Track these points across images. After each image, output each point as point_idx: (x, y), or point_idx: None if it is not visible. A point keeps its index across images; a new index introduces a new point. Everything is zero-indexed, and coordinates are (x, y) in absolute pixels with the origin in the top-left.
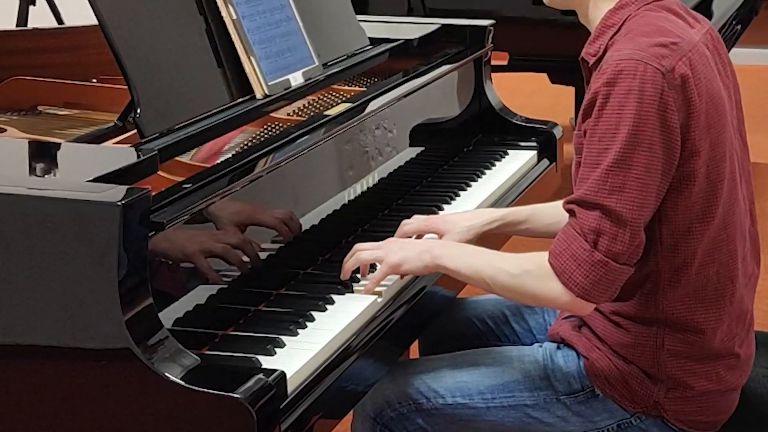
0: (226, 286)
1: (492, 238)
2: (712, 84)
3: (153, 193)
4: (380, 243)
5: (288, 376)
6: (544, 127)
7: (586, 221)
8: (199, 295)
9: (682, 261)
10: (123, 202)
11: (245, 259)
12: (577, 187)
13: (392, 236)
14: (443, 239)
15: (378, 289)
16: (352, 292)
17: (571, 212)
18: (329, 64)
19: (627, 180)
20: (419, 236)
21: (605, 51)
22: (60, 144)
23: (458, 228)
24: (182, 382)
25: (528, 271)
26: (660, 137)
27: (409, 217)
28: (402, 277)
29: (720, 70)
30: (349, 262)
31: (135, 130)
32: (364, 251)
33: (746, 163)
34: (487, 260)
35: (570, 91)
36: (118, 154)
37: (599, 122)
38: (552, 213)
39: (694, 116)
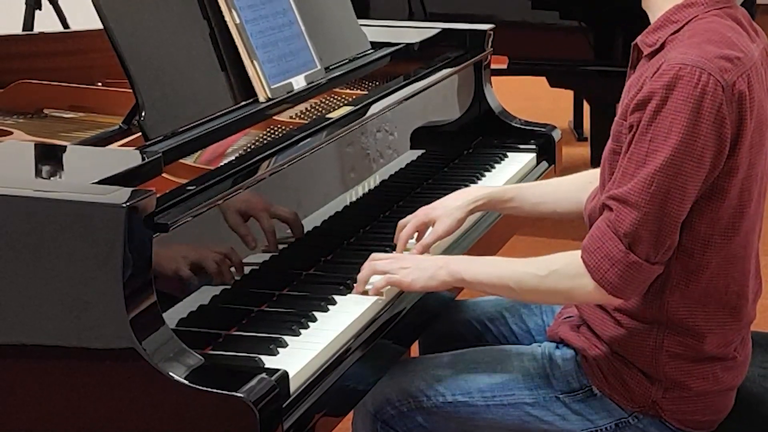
0: (229, 286)
1: (493, 237)
2: (763, 104)
3: (157, 195)
4: (397, 256)
5: (290, 376)
6: (543, 129)
7: (623, 222)
8: (203, 295)
9: (695, 267)
10: (128, 203)
11: (248, 260)
12: (620, 181)
13: (392, 238)
14: (437, 225)
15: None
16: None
17: (609, 208)
18: (331, 67)
19: (671, 186)
20: (419, 236)
21: (663, 45)
22: (66, 146)
23: (449, 210)
24: (186, 382)
25: (556, 271)
26: (711, 150)
27: None
28: None
29: (766, 88)
30: (363, 273)
31: (139, 133)
32: (378, 262)
33: (766, 179)
34: (508, 267)
35: (569, 94)
36: (123, 156)
37: (653, 122)
38: (538, 192)
39: (742, 135)
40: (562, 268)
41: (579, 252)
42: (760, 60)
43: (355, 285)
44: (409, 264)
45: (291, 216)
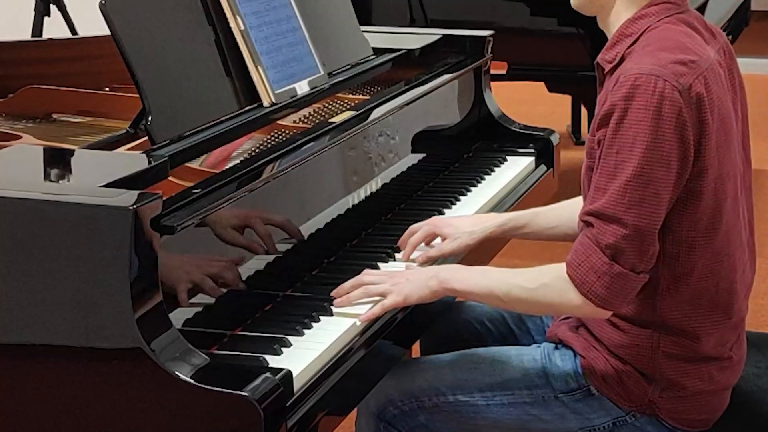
0: (234, 287)
1: (489, 244)
2: (723, 103)
3: (164, 198)
4: (387, 273)
5: (294, 375)
6: (541, 134)
7: (604, 235)
8: (208, 296)
9: (682, 271)
10: (135, 206)
11: (252, 264)
12: (593, 197)
13: (395, 240)
14: (446, 243)
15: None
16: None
17: (588, 224)
18: (334, 73)
19: (645, 194)
20: (428, 242)
21: (622, 59)
22: (74, 150)
23: (460, 232)
24: (192, 381)
25: (545, 284)
26: (677, 153)
27: (411, 221)
28: None
29: (729, 86)
30: (357, 293)
31: (146, 137)
32: (371, 285)
33: (748, 175)
34: (499, 278)
35: (566, 99)
36: (130, 160)
37: (617, 135)
38: (552, 217)
39: (706, 136)
40: (550, 282)
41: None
42: (718, 60)
43: (339, 298)
44: (401, 279)
45: (288, 224)
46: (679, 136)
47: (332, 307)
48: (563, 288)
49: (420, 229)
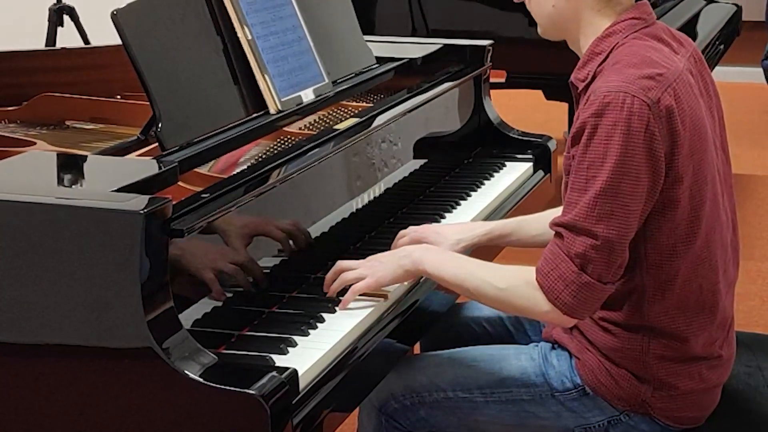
0: (241, 289)
1: (484, 249)
2: (695, 112)
3: (173, 203)
4: (362, 261)
5: (300, 374)
6: (539, 140)
7: (573, 245)
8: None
9: (666, 277)
10: (145, 210)
11: (258, 267)
12: (565, 211)
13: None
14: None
15: (384, 291)
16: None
17: (558, 234)
18: (338, 81)
19: (614, 207)
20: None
21: (594, 77)
22: (86, 156)
23: (448, 241)
24: (201, 380)
25: (515, 287)
26: (646, 166)
27: (412, 224)
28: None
29: (703, 92)
30: (335, 284)
31: (156, 144)
32: (347, 272)
33: (729, 176)
34: (471, 271)
35: (563, 107)
36: (141, 165)
37: (588, 151)
38: (537, 225)
39: (678, 145)
40: (520, 286)
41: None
42: (688, 68)
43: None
44: (373, 263)
45: (295, 229)
46: (648, 150)
47: (336, 307)
48: (531, 294)
49: (407, 235)
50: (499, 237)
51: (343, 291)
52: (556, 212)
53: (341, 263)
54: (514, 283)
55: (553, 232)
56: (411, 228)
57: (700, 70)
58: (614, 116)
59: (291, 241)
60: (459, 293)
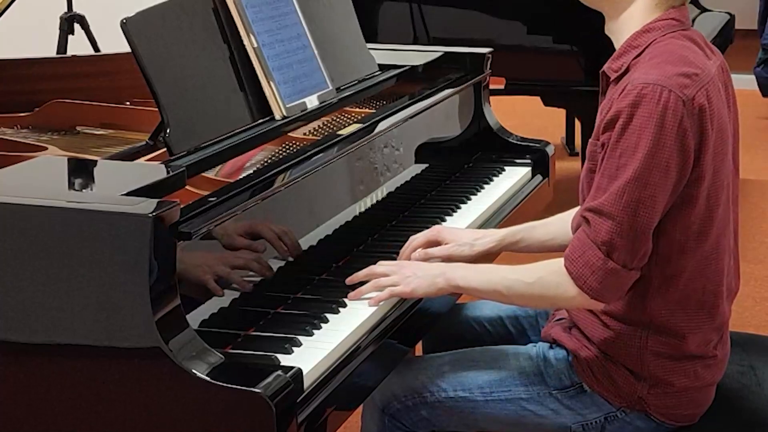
0: (248, 290)
1: (489, 255)
2: (722, 116)
3: (181, 206)
4: (398, 263)
5: (304, 373)
6: (537, 145)
7: (600, 232)
8: (223, 298)
9: (672, 272)
10: (154, 214)
11: (265, 267)
12: (594, 195)
13: (400, 245)
14: (449, 246)
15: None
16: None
17: (585, 220)
18: (342, 88)
19: (642, 196)
20: (426, 248)
21: (627, 69)
22: (96, 161)
23: (461, 242)
24: (207, 378)
25: (542, 278)
26: (676, 160)
27: (414, 227)
28: None
29: (726, 101)
30: (367, 286)
31: (165, 149)
32: (382, 279)
33: (737, 188)
34: (500, 274)
35: (561, 113)
36: (150, 170)
37: (621, 139)
38: (545, 231)
39: (705, 144)
40: (547, 276)
41: (563, 260)
42: (717, 75)
43: (352, 292)
44: (410, 273)
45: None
46: (680, 144)
47: (340, 308)
48: (560, 281)
49: (423, 235)
50: (510, 244)
51: (349, 288)
52: (564, 217)
53: (377, 268)
54: (541, 274)
55: (569, 236)
56: (425, 231)
57: (726, 81)
58: (650, 108)
59: (285, 246)
60: (492, 299)
